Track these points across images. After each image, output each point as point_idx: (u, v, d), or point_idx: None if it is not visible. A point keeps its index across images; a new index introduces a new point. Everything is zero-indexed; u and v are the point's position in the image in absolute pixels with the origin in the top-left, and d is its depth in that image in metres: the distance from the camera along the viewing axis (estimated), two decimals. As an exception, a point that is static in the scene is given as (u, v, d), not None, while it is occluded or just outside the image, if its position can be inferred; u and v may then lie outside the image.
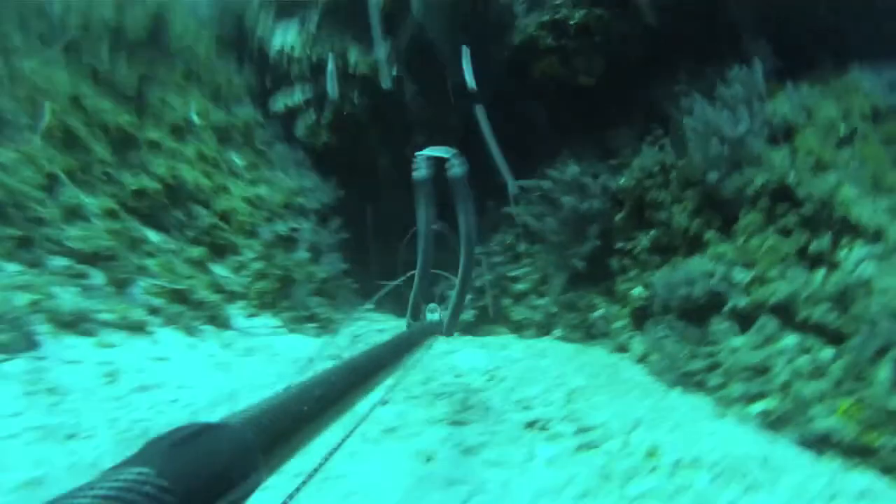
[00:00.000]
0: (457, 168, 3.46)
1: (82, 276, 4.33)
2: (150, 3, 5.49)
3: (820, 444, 3.35)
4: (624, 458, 3.19)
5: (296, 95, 5.74)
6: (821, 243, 3.85)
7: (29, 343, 3.82)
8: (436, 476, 3.12)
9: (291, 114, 5.81)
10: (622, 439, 3.36)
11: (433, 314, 4.15)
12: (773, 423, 3.52)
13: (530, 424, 3.62)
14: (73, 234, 4.36)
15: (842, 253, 3.78)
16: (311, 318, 4.92)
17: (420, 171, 3.51)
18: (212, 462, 1.01)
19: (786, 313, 3.82)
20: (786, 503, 2.86)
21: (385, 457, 3.30)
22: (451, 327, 3.80)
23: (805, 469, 3.15)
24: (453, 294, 3.72)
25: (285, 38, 5.84)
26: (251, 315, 4.82)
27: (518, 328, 5.17)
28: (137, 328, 4.29)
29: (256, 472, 1.12)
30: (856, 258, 3.70)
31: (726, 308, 4.00)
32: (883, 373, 3.33)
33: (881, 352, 3.37)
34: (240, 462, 1.08)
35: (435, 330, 3.66)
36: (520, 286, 5.25)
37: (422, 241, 3.67)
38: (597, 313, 4.80)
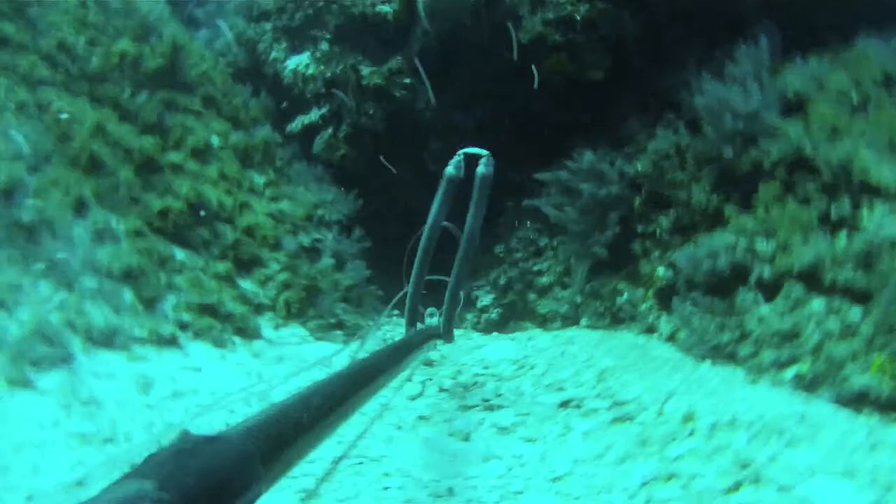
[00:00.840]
0: (486, 167, 3.48)
1: (113, 293, 4.42)
2: (166, 38, 5.68)
3: (857, 401, 3.31)
4: (660, 425, 3.18)
5: (312, 114, 5.87)
6: (841, 208, 3.84)
7: (64, 358, 3.91)
8: (473, 453, 3.12)
9: (308, 132, 5.93)
10: (656, 409, 3.34)
11: (432, 318, 4.17)
12: (808, 385, 3.48)
13: (564, 404, 3.61)
14: (103, 253, 4.47)
15: (863, 215, 3.76)
16: (338, 326, 4.97)
17: (451, 168, 3.54)
18: (213, 474, 1.02)
19: (811, 278, 3.79)
20: (827, 455, 2.82)
21: (421, 440, 3.31)
22: (448, 332, 3.79)
23: (843, 424, 3.11)
24: (446, 296, 3.71)
25: (299, 60, 6.00)
26: (279, 326, 4.87)
27: (544, 322, 5.17)
28: (168, 342, 4.36)
29: (257, 482, 1.14)
30: (878, 218, 3.68)
31: (752, 279, 3.98)
32: (915, 323, 3.30)
33: (911, 302, 3.34)
34: (241, 473, 1.09)
35: (434, 334, 3.65)
36: (543, 280, 5.25)
37: (425, 238, 3.66)
38: (622, 298, 4.79)
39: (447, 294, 3.68)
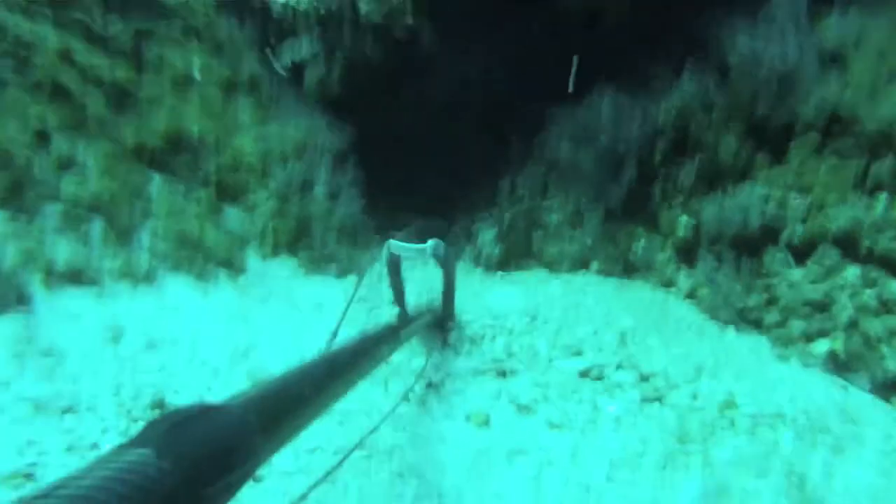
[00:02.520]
0: (436, 249, 3.38)
1: (82, 224, 4.02)
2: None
3: (892, 387, 3.16)
4: (697, 413, 2.98)
5: (304, 50, 5.26)
6: (881, 168, 3.53)
7: (20, 298, 3.52)
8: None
9: (299, 67, 5.34)
10: (690, 390, 3.14)
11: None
12: (841, 365, 3.31)
13: (584, 373, 3.37)
14: (69, 183, 4.03)
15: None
16: (330, 260, 4.63)
17: (386, 253, 3.52)
18: (213, 444, 1.03)
19: (847, 243, 3.55)
20: (880, 466, 2.66)
21: (433, 421, 3.06)
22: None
23: (884, 421, 2.97)
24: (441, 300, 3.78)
25: (289, -8, 5.30)
26: (267, 259, 4.52)
27: (551, 264, 4.84)
28: (144, 278, 4.00)
29: (257, 453, 1.16)
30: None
31: (782, 238, 3.72)
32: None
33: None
34: (240, 444, 1.10)
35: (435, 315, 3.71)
36: (553, 217, 4.88)
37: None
38: (638, 246, 4.50)
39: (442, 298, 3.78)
